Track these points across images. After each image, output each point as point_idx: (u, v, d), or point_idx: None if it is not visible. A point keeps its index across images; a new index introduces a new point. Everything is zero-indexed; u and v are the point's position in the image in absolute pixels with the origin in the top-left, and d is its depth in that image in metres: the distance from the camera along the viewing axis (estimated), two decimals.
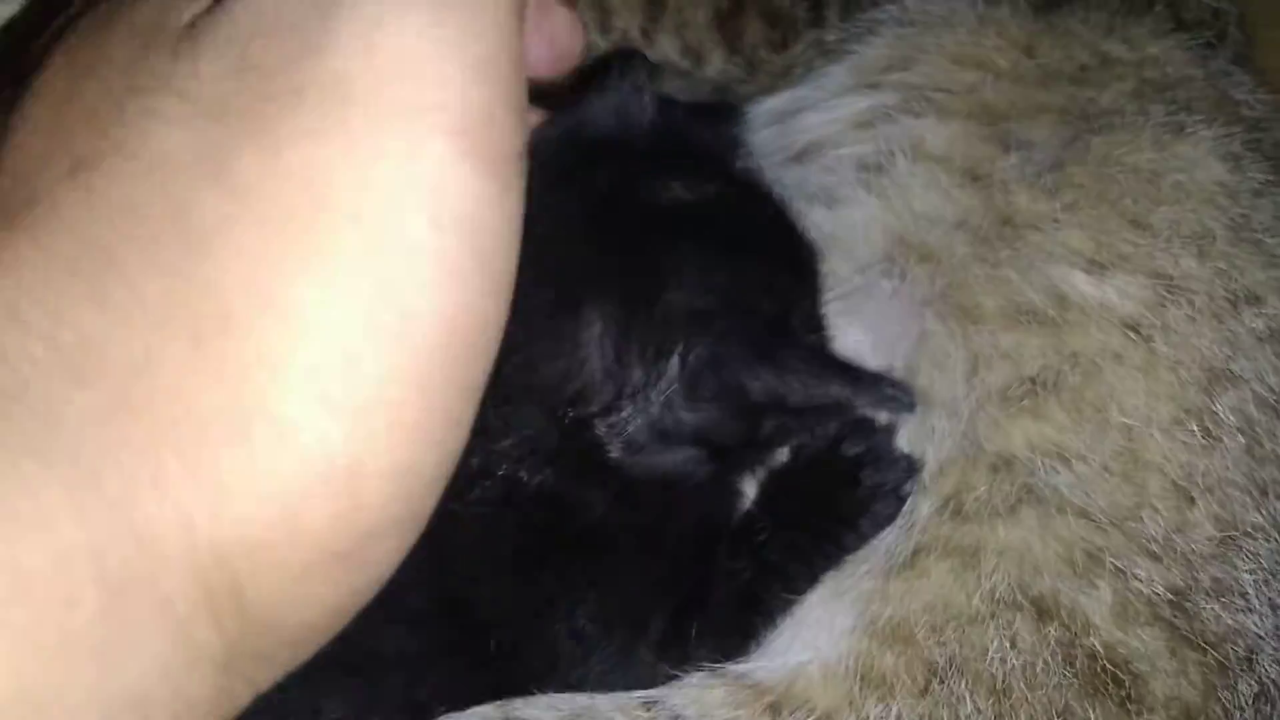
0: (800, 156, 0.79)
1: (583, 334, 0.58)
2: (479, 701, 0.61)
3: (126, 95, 0.37)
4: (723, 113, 0.80)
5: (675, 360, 0.57)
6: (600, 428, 0.58)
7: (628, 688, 0.62)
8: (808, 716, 0.60)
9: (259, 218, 0.35)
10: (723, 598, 0.62)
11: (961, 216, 0.69)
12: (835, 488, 0.62)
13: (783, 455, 0.65)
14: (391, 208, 0.35)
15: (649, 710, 0.60)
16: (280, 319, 0.34)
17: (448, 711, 0.61)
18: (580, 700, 0.61)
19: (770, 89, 0.86)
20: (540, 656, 0.62)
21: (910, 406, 0.60)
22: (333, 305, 0.35)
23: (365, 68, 0.36)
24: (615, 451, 0.59)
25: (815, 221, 0.71)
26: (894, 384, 0.60)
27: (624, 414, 0.58)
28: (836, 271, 0.69)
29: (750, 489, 0.66)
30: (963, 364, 0.65)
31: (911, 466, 0.63)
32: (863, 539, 0.62)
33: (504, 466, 0.59)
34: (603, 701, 0.61)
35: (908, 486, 0.63)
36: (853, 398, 0.58)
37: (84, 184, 0.36)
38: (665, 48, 0.90)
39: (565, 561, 0.61)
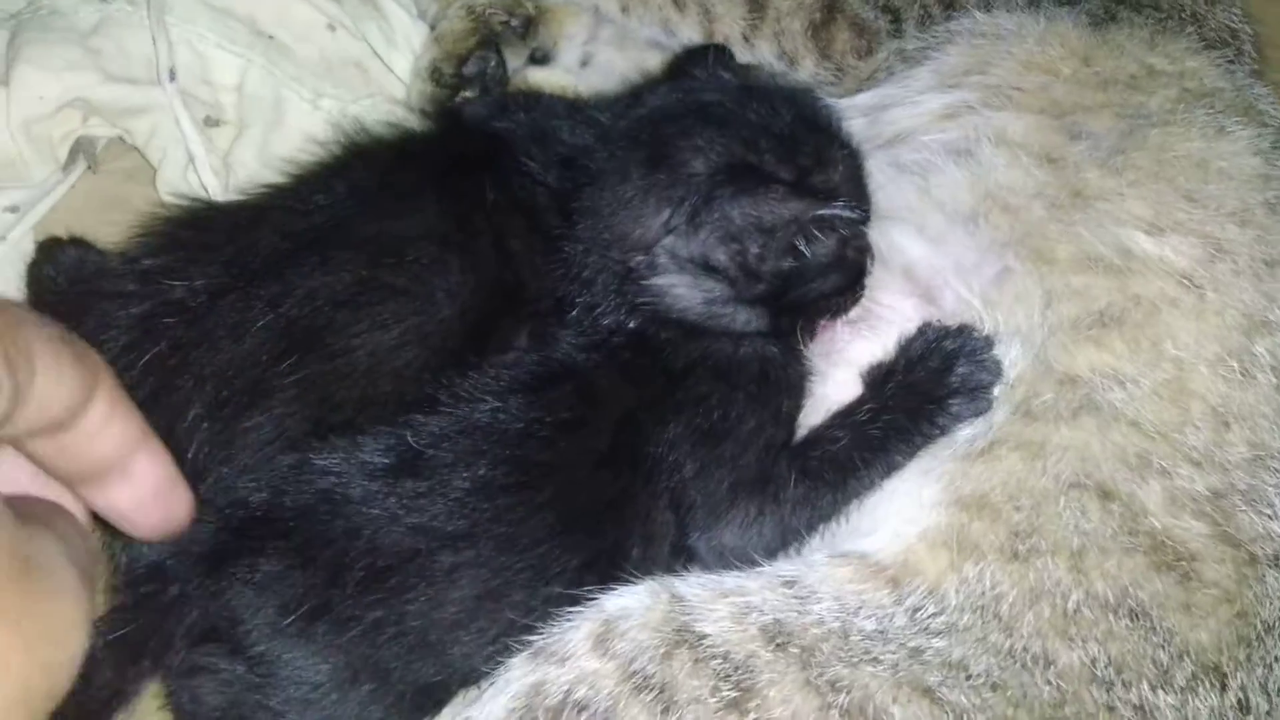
0: (889, 144, 0.94)
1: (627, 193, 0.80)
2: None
3: None
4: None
5: (686, 206, 0.77)
6: (641, 267, 0.79)
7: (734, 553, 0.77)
8: (921, 585, 0.73)
9: None
10: (819, 462, 0.78)
11: (1039, 189, 0.84)
12: (933, 376, 0.78)
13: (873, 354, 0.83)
14: None
15: (790, 588, 0.75)
16: None
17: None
18: (729, 581, 0.75)
19: (855, 91, 1.02)
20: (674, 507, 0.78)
21: (865, 219, 0.79)
22: None
23: None
24: (655, 279, 0.79)
25: (907, 189, 0.87)
26: (852, 204, 0.78)
27: (654, 251, 0.79)
28: (923, 217, 0.85)
29: (829, 387, 0.83)
30: (1039, 298, 0.81)
31: (999, 367, 0.79)
32: (954, 421, 0.79)
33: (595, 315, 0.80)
34: (749, 581, 0.75)
35: (996, 382, 0.78)
36: (808, 210, 0.76)
37: None
38: (763, 52, 1.06)
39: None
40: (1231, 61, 1.05)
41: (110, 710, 0.73)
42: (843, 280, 0.81)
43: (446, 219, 0.85)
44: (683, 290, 0.79)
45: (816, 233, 0.77)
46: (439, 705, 0.79)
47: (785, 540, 0.80)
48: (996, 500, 0.76)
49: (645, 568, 0.78)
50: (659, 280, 0.79)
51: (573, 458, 0.77)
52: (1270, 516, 0.77)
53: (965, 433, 0.79)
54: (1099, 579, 0.72)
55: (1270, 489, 0.77)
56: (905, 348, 0.82)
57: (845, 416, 0.80)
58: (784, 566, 0.77)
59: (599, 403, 0.79)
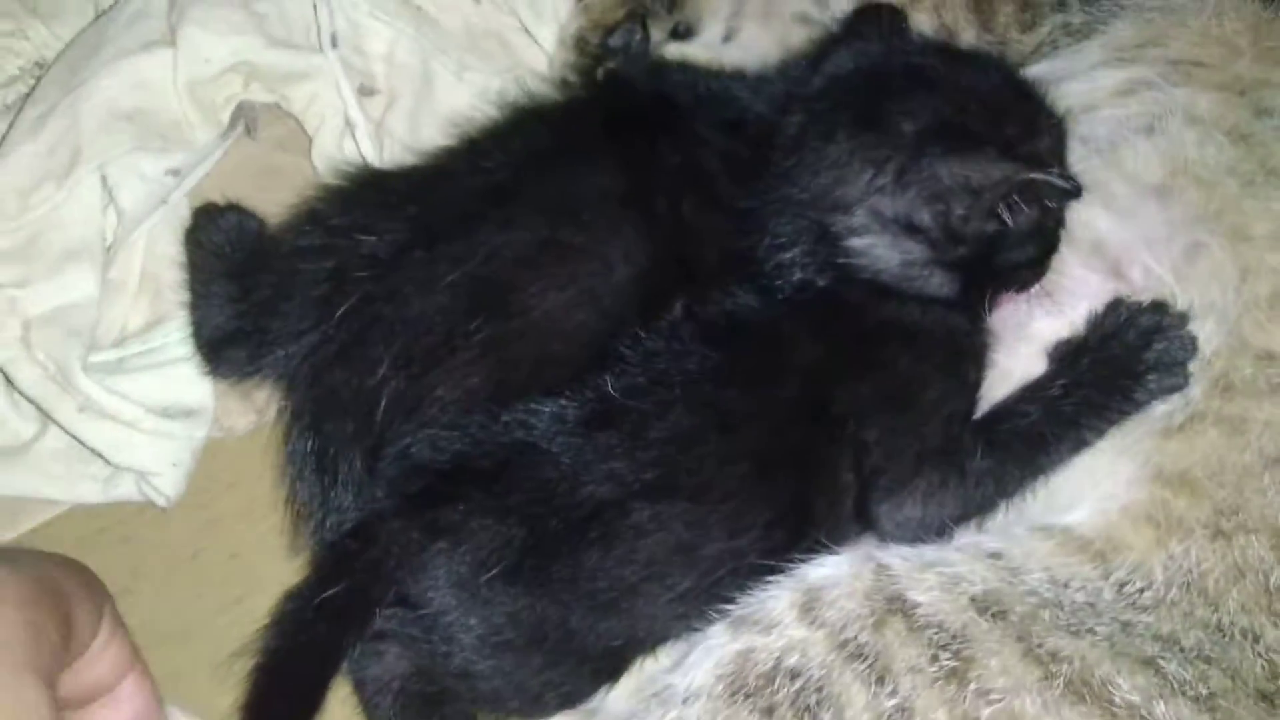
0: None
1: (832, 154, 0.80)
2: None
3: None
4: None
5: (893, 164, 0.78)
6: (840, 226, 0.79)
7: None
8: (1128, 560, 0.73)
9: None
10: (1008, 436, 0.78)
11: (1232, 165, 0.84)
12: (1128, 352, 0.78)
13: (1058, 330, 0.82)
14: None
15: (997, 560, 0.74)
16: None
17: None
18: (930, 553, 0.75)
19: (1019, 66, 1.00)
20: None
21: (1076, 193, 0.77)
22: None
23: None
24: (854, 239, 0.79)
25: (1093, 162, 0.86)
26: (1063, 174, 0.77)
27: (855, 211, 0.79)
28: (1109, 189, 0.84)
29: (1012, 361, 0.83)
30: (1234, 274, 0.80)
31: (1195, 344, 0.78)
32: (1149, 398, 0.78)
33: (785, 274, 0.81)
34: (952, 554, 0.74)
35: (1192, 359, 0.78)
36: (1018, 173, 0.76)
37: None
38: (922, 23, 1.04)
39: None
40: None
41: (325, 673, 0.73)
42: (1037, 252, 0.81)
43: (623, 180, 0.85)
44: (881, 251, 0.79)
45: (1020, 200, 0.76)
46: (616, 674, 0.80)
47: (966, 513, 0.79)
48: (1198, 476, 0.75)
49: (829, 530, 0.78)
50: (858, 241, 0.79)
51: (763, 409, 0.78)
52: None
53: (1161, 408, 0.79)
54: None
55: None
56: (1098, 323, 0.81)
57: (1036, 391, 0.80)
58: (986, 539, 0.76)
59: (786, 353, 0.79)
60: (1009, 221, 0.77)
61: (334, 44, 1.00)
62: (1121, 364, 0.78)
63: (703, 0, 1.13)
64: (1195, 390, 0.78)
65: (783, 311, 0.81)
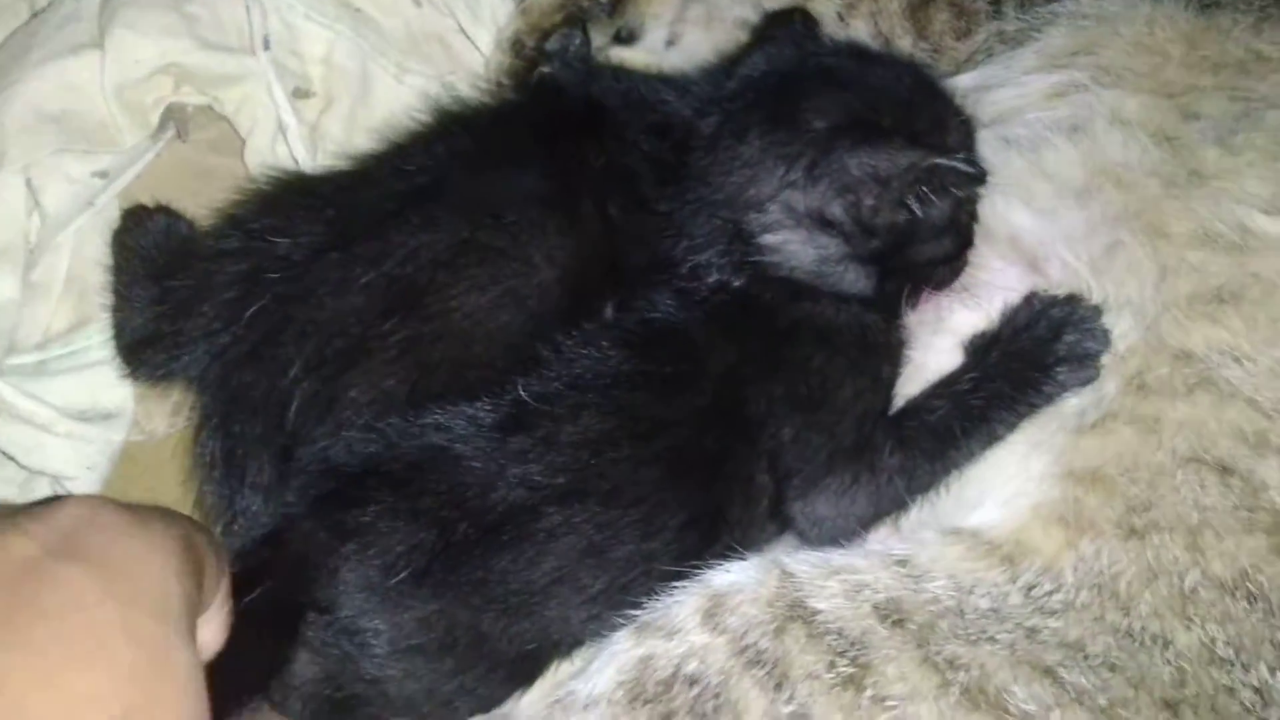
0: (994, 122, 0.93)
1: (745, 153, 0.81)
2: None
3: None
4: None
5: (805, 159, 0.79)
6: (754, 224, 0.80)
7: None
8: (1036, 563, 0.73)
9: None
10: (917, 431, 0.78)
11: (1154, 167, 0.84)
12: (1039, 345, 0.78)
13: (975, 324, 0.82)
14: None
15: (902, 567, 0.74)
16: None
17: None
18: (837, 559, 0.75)
19: (953, 74, 1.01)
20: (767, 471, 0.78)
21: (981, 178, 0.78)
22: None
23: None
24: (768, 236, 0.79)
25: (1015, 162, 0.87)
26: (968, 159, 0.77)
27: (769, 208, 0.79)
28: (1031, 188, 0.85)
29: (929, 356, 0.83)
30: (1153, 272, 0.80)
31: (1107, 336, 0.78)
32: (1060, 390, 0.78)
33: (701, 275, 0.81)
34: (859, 559, 0.74)
35: (1104, 351, 0.78)
36: (924, 159, 0.76)
37: None
38: (859, 30, 1.05)
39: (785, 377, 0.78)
40: None
41: (260, 679, 0.73)
42: (953, 245, 0.81)
43: (547, 182, 0.86)
44: (796, 247, 0.80)
45: (929, 191, 0.77)
46: (529, 678, 0.79)
47: (879, 511, 0.79)
48: (1111, 473, 0.75)
49: (744, 531, 0.78)
50: (772, 238, 0.80)
51: (677, 413, 0.78)
52: None
53: (1074, 404, 0.79)
54: (1216, 559, 0.71)
55: None
56: (1010, 316, 0.81)
57: (946, 385, 0.80)
58: (895, 545, 0.76)
59: (701, 359, 0.79)
60: (918, 212, 0.77)
61: (266, 46, 1.00)
62: (1032, 357, 0.78)
63: (645, 5, 1.14)
64: (1110, 387, 0.78)
65: (699, 314, 0.81)
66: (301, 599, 0.74)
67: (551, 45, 1.09)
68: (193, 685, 0.55)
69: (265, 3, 1.02)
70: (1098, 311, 0.79)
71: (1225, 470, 0.73)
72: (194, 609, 0.57)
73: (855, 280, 0.80)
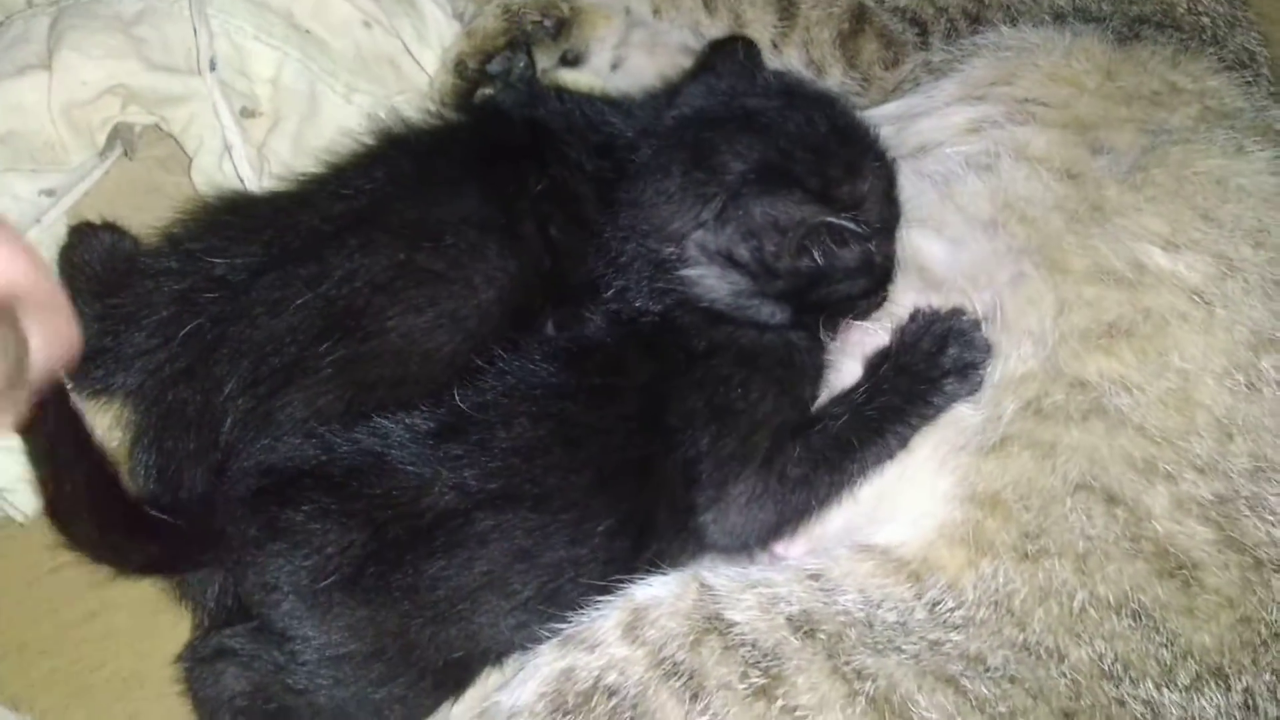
0: (914, 153, 0.97)
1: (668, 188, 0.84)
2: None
3: None
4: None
5: (716, 202, 0.82)
6: (674, 256, 0.83)
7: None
8: (941, 580, 0.76)
9: None
10: (819, 440, 0.82)
11: (1058, 202, 0.88)
12: (926, 358, 0.82)
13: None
14: None
15: (815, 581, 0.77)
16: None
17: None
18: (755, 573, 0.78)
19: (881, 102, 1.04)
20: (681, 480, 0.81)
21: (867, 238, 0.82)
22: None
23: None
24: (686, 269, 0.83)
25: (929, 195, 0.91)
26: (857, 220, 0.81)
27: (686, 244, 0.83)
28: (943, 221, 0.89)
29: (843, 379, 0.86)
30: (1052, 305, 0.84)
31: (989, 347, 0.83)
32: (948, 401, 0.82)
33: (627, 298, 0.84)
34: (776, 573, 0.78)
35: (986, 361, 0.82)
36: (816, 216, 0.80)
37: None
38: (792, 59, 1.09)
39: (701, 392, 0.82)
40: (1250, 83, 1.08)
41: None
42: (868, 285, 0.85)
43: (488, 205, 0.88)
44: (712, 281, 0.83)
45: (829, 239, 0.81)
46: (459, 687, 0.82)
47: (784, 520, 0.83)
48: (1008, 499, 0.79)
49: (671, 537, 0.81)
50: (690, 271, 0.83)
51: (605, 422, 0.81)
52: (1275, 524, 0.79)
53: (975, 421, 0.82)
54: (1102, 582, 0.76)
55: (1273, 498, 0.80)
56: (899, 332, 0.85)
57: (843, 399, 0.84)
58: (809, 560, 0.79)
59: (626, 373, 0.83)
60: (818, 259, 0.81)
61: (212, 67, 1.02)
62: (919, 369, 0.82)
63: (589, 29, 1.17)
64: (1009, 409, 0.81)
65: (625, 332, 0.84)
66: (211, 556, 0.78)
67: (494, 68, 1.12)
68: None
69: (213, 24, 1.04)
70: (977, 324, 0.83)
71: (1112, 499, 0.77)
72: None
73: (771, 313, 0.84)
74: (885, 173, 0.86)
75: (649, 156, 0.86)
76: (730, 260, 0.82)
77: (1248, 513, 0.79)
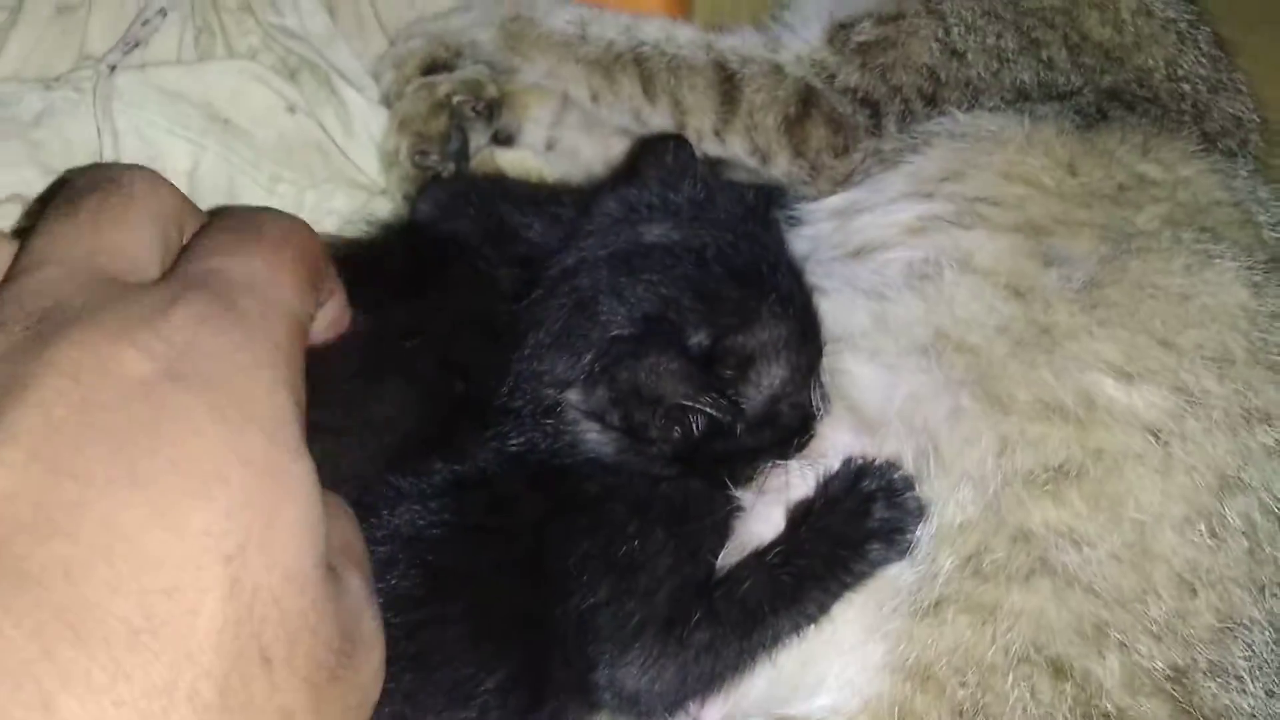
0: (856, 253, 0.90)
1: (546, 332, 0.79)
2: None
3: None
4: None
5: (587, 360, 0.76)
6: (555, 403, 0.77)
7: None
8: None
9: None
10: (725, 605, 0.74)
11: (1002, 325, 0.80)
12: (849, 519, 0.75)
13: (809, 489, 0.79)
14: None
15: None
16: None
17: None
18: None
19: (831, 192, 0.97)
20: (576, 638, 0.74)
21: (733, 421, 0.75)
22: None
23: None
24: (569, 421, 0.77)
25: (861, 314, 0.84)
26: (720, 404, 0.74)
27: (565, 395, 0.77)
28: (876, 346, 0.82)
29: (764, 526, 0.79)
30: (993, 444, 0.77)
31: (921, 509, 0.75)
32: (872, 568, 0.75)
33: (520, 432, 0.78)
34: None
35: (916, 524, 0.74)
36: (673, 396, 0.74)
37: None
38: (735, 147, 1.02)
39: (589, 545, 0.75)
40: (1234, 154, 1.00)
41: None
42: (776, 436, 0.78)
43: (382, 344, 0.82)
44: (593, 436, 0.77)
45: (697, 417, 0.75)
46: None
47: (687, 689, 0.75)
48: (942, 673, 0.72)
49: (570, 694, 0.74)
50: (569, 426, 0.77)
51: (486, 566, 0.74)
52: (1240, 691, 0.73)
53: (908, 579, 0.75)
54: None
55: (1240, 661, 0.73)
56: (825, 485, 0.78)
57: (758, 559, 0.76)
58: None
59: (514, 512, 0.76)
60: (695, 430, 0.75)
61: None
62: (842, 531, 0.75)
63: (521, 109, 1.11)
64: (946, 565, 0.74)
65: (515, 469, 0.78)
66: None
67: (429, 161, 1.06)
68: (309, 497, 0.51)
69: (120, 122, 1.00)
70: (909, 482, 0.75)
71: (1059, 672, 0.71)
72: (302, 409, 0.54)
73: (663, 468, 0.77)
74: (797, 313, 0.79)
75: (542, 294, 0.80)
76: (604, 421, 0.76)
77: (1207, 683, 0.72)
